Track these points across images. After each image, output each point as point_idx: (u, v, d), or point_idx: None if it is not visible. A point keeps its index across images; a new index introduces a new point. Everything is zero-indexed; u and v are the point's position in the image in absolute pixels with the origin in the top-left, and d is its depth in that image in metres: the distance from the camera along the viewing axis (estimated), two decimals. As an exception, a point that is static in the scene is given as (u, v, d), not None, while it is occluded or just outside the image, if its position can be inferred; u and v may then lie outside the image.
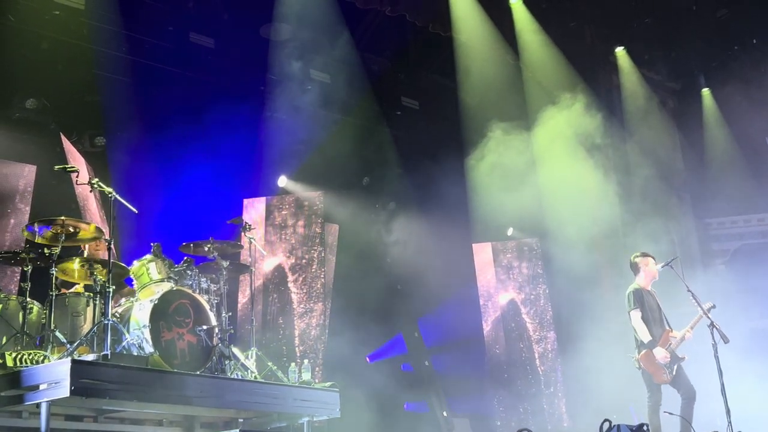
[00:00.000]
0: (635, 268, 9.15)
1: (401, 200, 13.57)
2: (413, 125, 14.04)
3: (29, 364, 6.44)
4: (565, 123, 13.72)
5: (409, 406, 13.24)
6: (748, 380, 11.38)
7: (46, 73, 10.05)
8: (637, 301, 8.81)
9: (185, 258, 8.29)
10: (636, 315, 8.76)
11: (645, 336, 8.67)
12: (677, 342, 8.69)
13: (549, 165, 13.76)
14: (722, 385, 7.95)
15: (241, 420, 8.02)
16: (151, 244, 8.08)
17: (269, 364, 8.65)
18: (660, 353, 8.59)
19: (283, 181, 12.32)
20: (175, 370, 7.11)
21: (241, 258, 10.03)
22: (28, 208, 9.84)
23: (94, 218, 9.86)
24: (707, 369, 8.27)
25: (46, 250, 7.21)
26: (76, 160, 10.03)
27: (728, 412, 7.77)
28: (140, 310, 7.34)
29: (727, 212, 16.63)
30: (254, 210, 11.94)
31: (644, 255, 9.20)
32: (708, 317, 8.36)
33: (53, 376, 6.11)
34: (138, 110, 10.60)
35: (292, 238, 11.96)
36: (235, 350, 8.17)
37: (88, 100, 10.42)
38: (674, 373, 8.64)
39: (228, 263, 8.64)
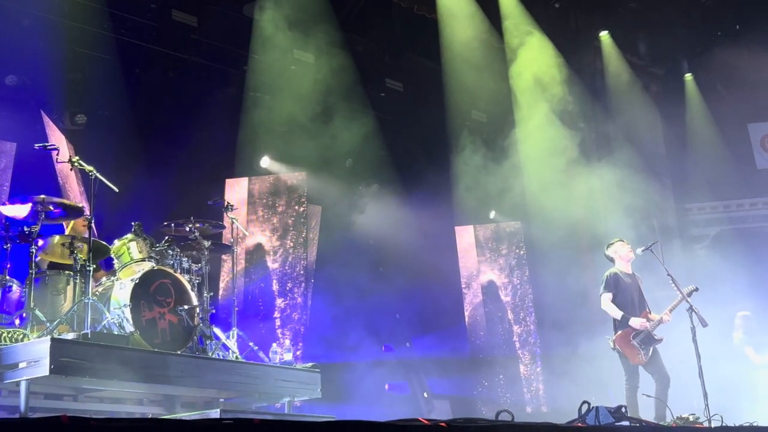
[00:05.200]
0: (610, 259, 9.27)
1: (384, 182, 13.54)
2: (397, 107, 14.01)
3: (8, 342, 6.41)
4: (548, 107, 13.75)
5: (391, 387, 13.29)
6: (725, 364, 11.50)
7: (26, 50, 9.93)
8: (610, 284, 8.91)
9: (166, 237, 8.26)
10: (605, 298, 8.86)
11: (616, 315, 8.76)
12: (654, 324, 8.74)
13: (532, 149, 13.79)
14: (700, 368, 8.03)
15: (222, 400, 8.02)
16: (132, 223, 8.03)
17: (251, 344, 8.65)
18: (637, 322, 8.66)
19: (265, 161, 12.26)
20: (156, 350, 7.10)
21: (223, 238, 9.99)
22: (7, 186, 9.75)
23: (75, 196, 9.79)
24: (685, 352, 8.36)
25: (26, 229, 7.16)
26: (56, 137, 9.94)
27: (705, 395, 7.85)
28: (121, 289, 7.31)
29: (707, 197, 16.77)
30: (236, 190, 11.89)
31: (610, 244, 9.32)
32: (688, 301, 8.43)
33: (33, 354, 6.08)
34: (119, 88, 10.51)
35: (274, 218, 11.94)
36: (217, 330, 8.17)
37: (70, 77, 10.30)
38: (650, 354, 8.72)
39: (210, 243, 8.62)
